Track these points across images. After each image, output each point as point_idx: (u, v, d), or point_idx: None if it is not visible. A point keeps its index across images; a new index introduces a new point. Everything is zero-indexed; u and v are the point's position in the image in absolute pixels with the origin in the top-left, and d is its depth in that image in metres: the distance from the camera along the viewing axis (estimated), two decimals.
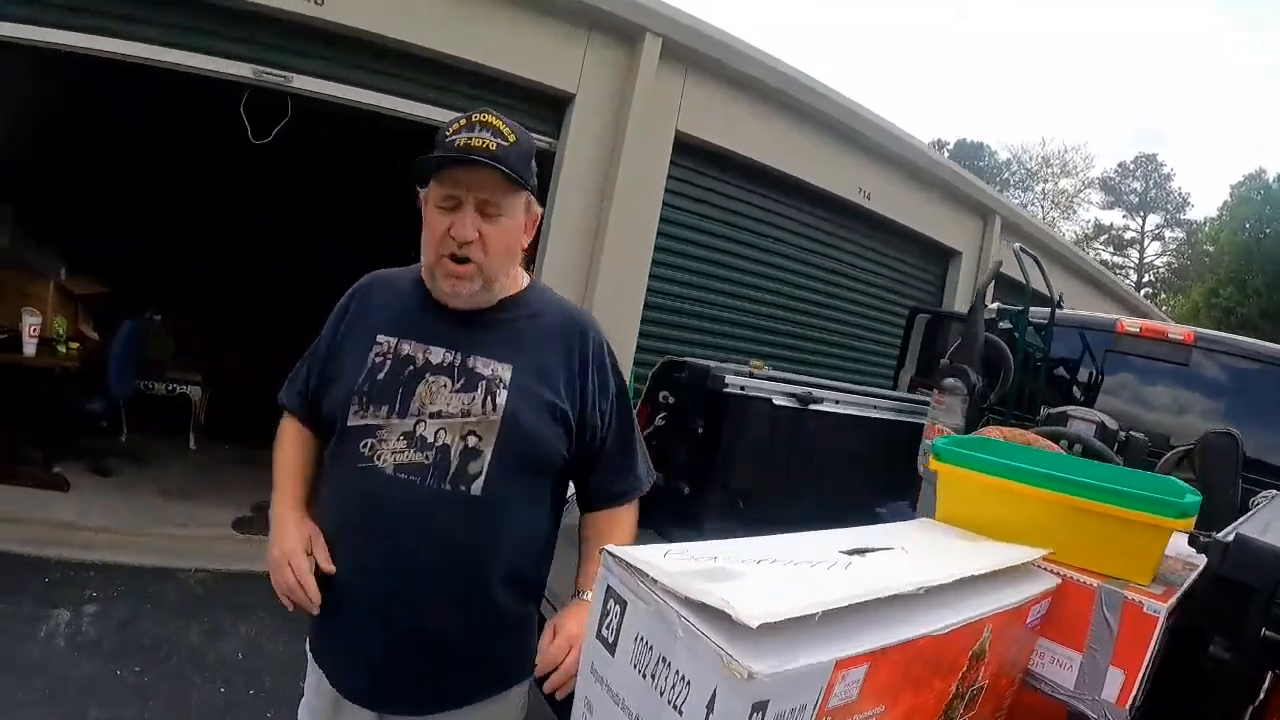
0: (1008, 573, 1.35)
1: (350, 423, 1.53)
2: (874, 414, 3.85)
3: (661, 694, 0.93)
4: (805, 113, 7.03)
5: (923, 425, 3.89)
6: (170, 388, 6.66)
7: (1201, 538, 1.57)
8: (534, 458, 1.55)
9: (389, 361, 1.56)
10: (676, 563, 1.00)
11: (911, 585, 1.07)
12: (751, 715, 0.83)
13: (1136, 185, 42.70)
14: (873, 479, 3.79)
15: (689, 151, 6.52)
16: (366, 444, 1.51)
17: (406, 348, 1.56)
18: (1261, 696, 1.31)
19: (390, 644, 1.51)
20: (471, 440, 1.50)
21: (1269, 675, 1.30)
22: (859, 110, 7.40)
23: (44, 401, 5.40)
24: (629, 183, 5.89)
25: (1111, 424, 3.61)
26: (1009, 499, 1.54)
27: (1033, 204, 43.01)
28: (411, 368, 1.54)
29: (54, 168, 7.16)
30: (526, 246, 1.64)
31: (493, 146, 1.45)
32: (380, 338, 1.58)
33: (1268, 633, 1.29)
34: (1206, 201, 64.28)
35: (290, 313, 9.36)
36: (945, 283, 9.35)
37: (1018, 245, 4.59)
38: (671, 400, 3.19)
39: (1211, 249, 34.23)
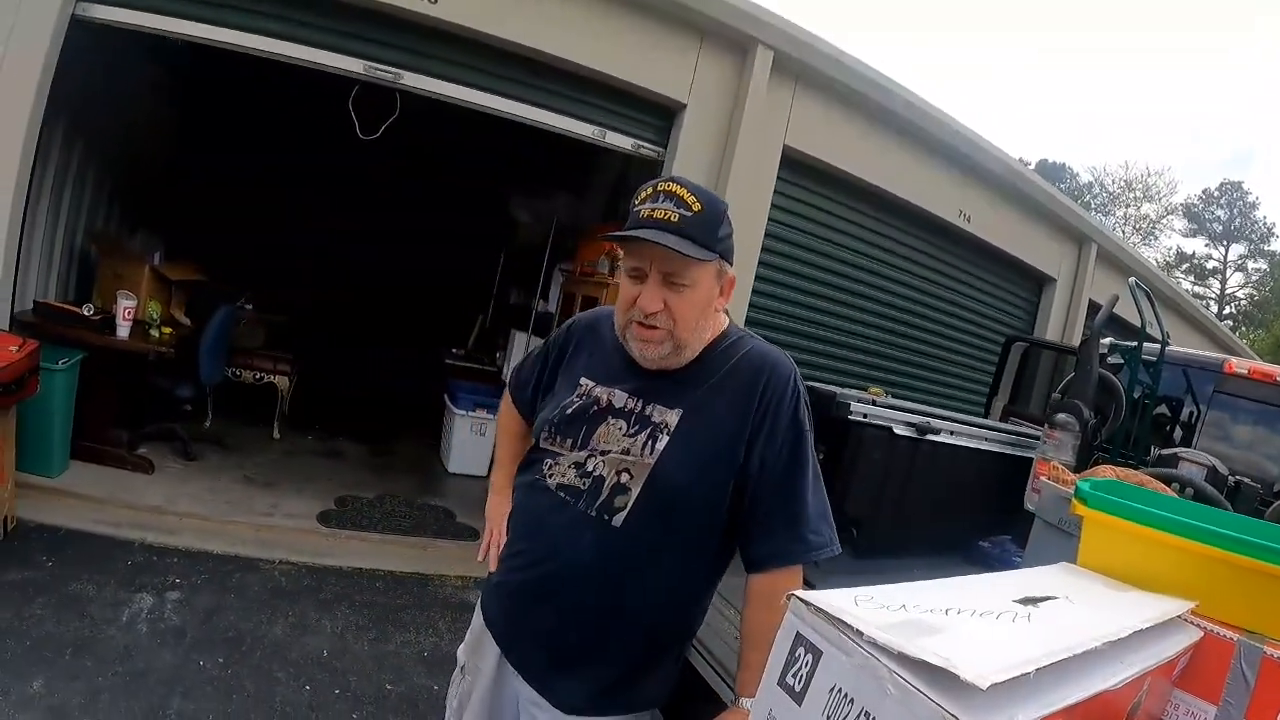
0: (1160, 625, 1.37)
1: (541, 444, 1.74)
2: (984, 446, 3.75)
3: None
4: (910, 131, 6.88)
5: (1028, 459, 3.79)
6: (258, 376, 6.76)
7: None
8: (680, 501, 1.60)
9: (580, 401, 1.71)
10: (872, 612, 0.99)
11: (1098, 640, 1.10)
12: None
13: (1220, 213, 41.56)
14: (975, 511, 3.72)
15: (796, 167, 6.41)
16: (546, 464, 1.71)
17: (599, 391, 1.70)
18: None
19: (522, 622, 1.72)
20: (624, 477, 1.60)
21: None
22: (962, 130, 7.23)
23: (133, 384, 5.48)
24: (736, 195, 5.78)
25: (1222, 468, 3.56)
26: (1156, 549, 1.55)
27: (1114, 229, 42.15)
28: (597, 408, 1.68)
29: (159, 155, 7.30)
30: (722, 305, 1.71)
31: (674, 218, 1.51)
32: (583, 380, 1.74)
33: None
34: None
35: (379, 312, 9.62)
36: (1038, 309, 9.11)
37: (1133, 280, 4.44)
38: None
39: None
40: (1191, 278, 41.58)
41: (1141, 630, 1.23)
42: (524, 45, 5.20)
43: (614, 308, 1.74)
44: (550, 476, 1.68)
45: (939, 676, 0.84)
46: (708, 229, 1.53)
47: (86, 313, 5.07)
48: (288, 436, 6.90)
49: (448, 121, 6.03)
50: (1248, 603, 1.41)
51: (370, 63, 4.94)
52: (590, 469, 1.63)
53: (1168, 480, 3.09)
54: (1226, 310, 40.73)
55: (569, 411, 1.69)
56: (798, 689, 1.00)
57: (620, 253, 1.64)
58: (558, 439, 1.69)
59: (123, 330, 5.09)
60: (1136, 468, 3.38)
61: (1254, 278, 41.06)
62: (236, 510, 5.07)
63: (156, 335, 5.37)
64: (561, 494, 1.65)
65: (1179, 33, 63.34)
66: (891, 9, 70.27)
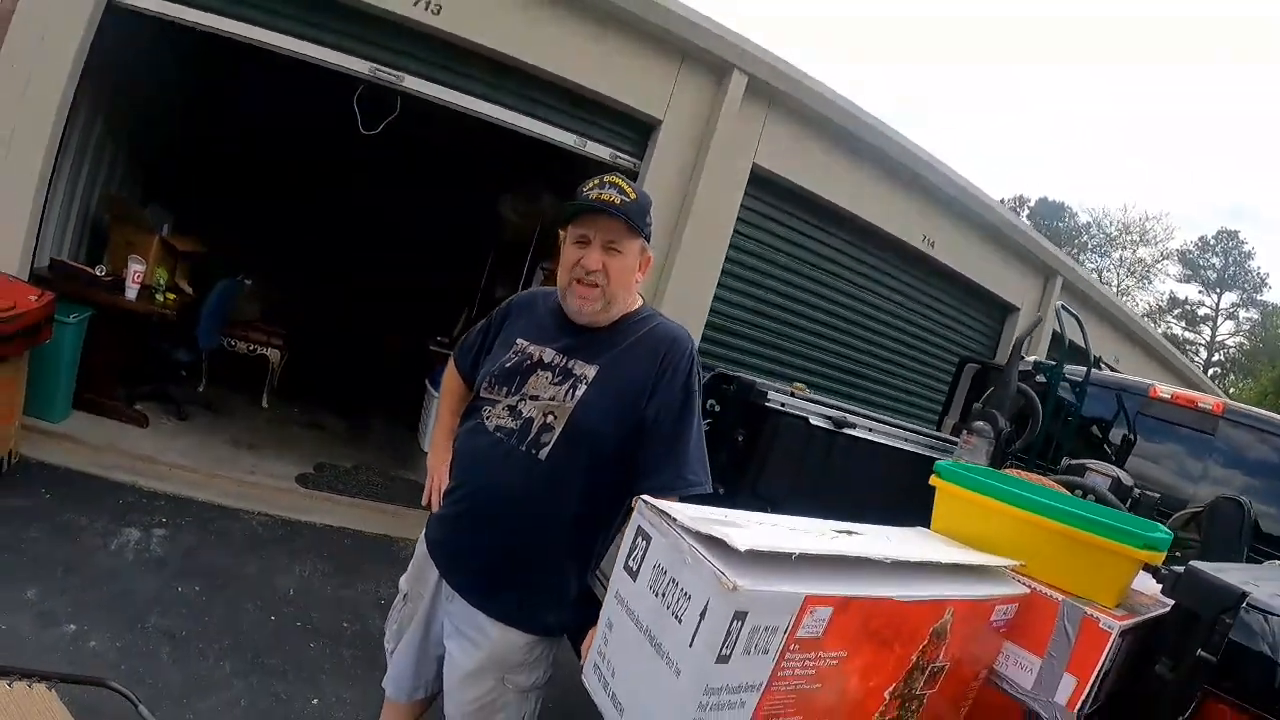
0: (979, 573, 1.61)
1: (481, 394, 2.09)
2: (902, 445, 3.98)
3: (668, 608, 1.22)
4: (877, 158, 7.23)
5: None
6: (251, 348, 7.08)
7: (1162, 570, 1.81)
8: (593, 439, 1.94)
9: (516, 357, 2.06)
10: (695, 511, 1.30)
11: (881, 555, 1.36)
12: (733, 622, 1.12)
13: (1215, 261, 41.59)
14: (891, 508, 3.89)
15: (763, 185, 6.77)
16: (485, 409, 2.05)
17: (532, 349, 2.06)
18: (1190, 711, 1.51)
19: (462, 544, 2.07)
20: (549, 419, 1.95)
21: (1200, 691, 1.51)
22: (929, 159, 7.58)
23: (136, 343, 5.80)
24: (704, 208, 6.18)
25: (1127, 480, 3.71)
26: (993, 515, 1.79)
27: (1109, 270, 42.19)
28: (529, 362, 2.03)
29: (175, 134, 7.63)
30: (640, 280, 2.10)
31: (617, 201, 1.93)
32: (518, 340, 2.09)
33: (1203, 654, 1.51)
34: None
35: (372, 297, 9.95)
36: (1001, 336, 9.44)
37: (1060, 303, 4.75)
38: (718, 409, 3.42)
39: None
40: (1183, 323, 41.57)
41: (944, 565, 1.50)
42: (517, 57, 5.57)
43: (550, 288, 2.15)
44: (489, 420, 2.00)
45: (722, 550, 1.15)
46: (640, 213, 1.96)
47: (99, 273, 5.39)
48: (275, 406, 7.21)
49: (444, 122, 6.35)
50: (1075, 569, 1.65)
51: (375, 65, 5.32)
52: (521, 411, 1.96)
53: (1070, 487, 3.36)
54: (1215, 357, 40.79)
55: (507, 365, 2.04)
56: (635, 569, 1.34)
57: (567, 228, 2.02)
58: (495, 388, 2.03)
59: (131, 292, 5.39)
60: (1046, 474, 3.67)
61: (1245, 327, 41.05)
62: (221, 466, 5.36)
63: (161, 300, 5.69)
64: (498, 434, 1.97)
65: (1188, 84, 63.62)
66: (908, 40, 70.49)
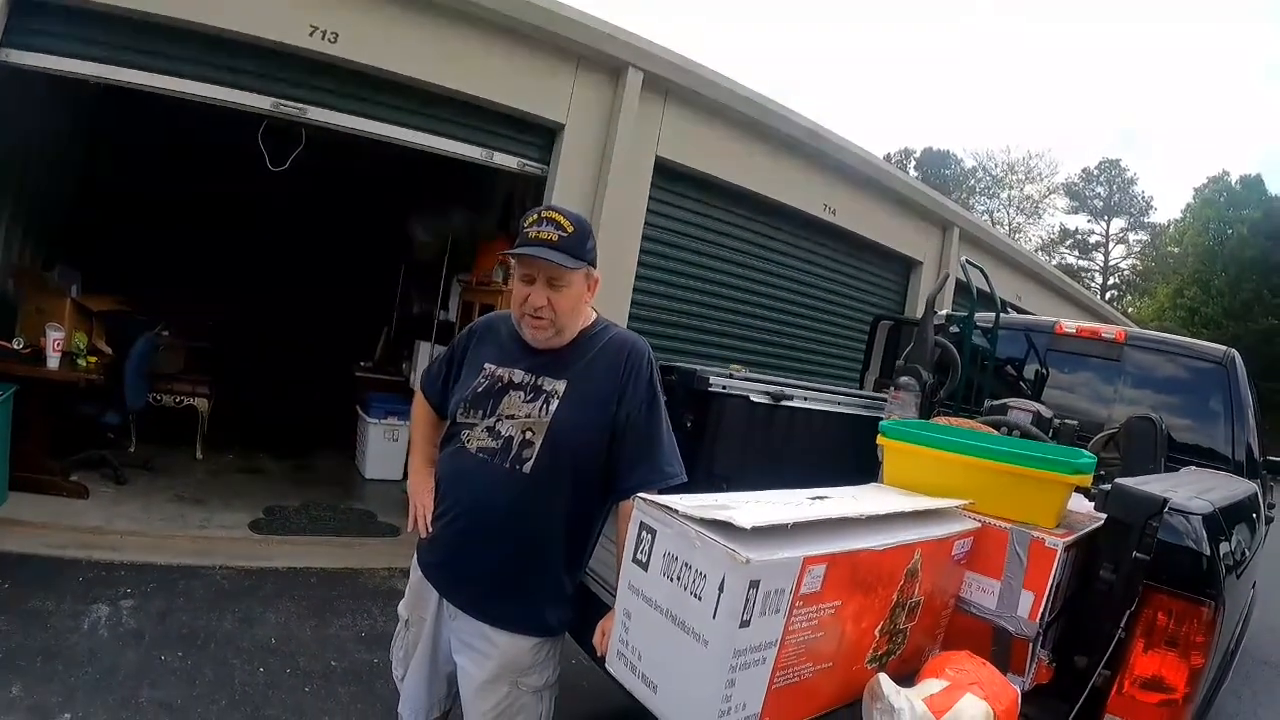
0: (936, 516, 1.81)
1: (457, 420, 2.19)
2: (839, 409, 4.23)
3: (685, 589, 1.38)
4: (773, 135, 7.51)
5: (880, 418, 4.30)
6: (179, 400, 6.96)
7: (1092, 489, 2.06)
8: (573, 449, 2.07)
9: (486, 381, 2.18)
10: (689, 501, 1.46)
11: (857, 513, 1.55)
12: (749, 590, 1.29)
13: (1100, 190, 43.52)
14: (839, 468, 4.05)
15: (668, 175, 6.98)
16: (464, 434, 2.15)
17: (500, 371, 2.18)
18: (1135, 605, 1.76)
19: (460, 562, 2.15)
20: (528, 434, 2.07)
21: (1141, 587, 1.75)
22: (823, 131, 7.88)
23: (63, 413, 5.65)
24: (614, 205, 6.30)
25: (1047, 413, 3.96)
26: (938, 464, 2.01)
27: (999, 210, 43.74)
28: (500, 384, 2.16)
29: (73, 190, 7.46)
30: (590, 300, 2.21)
31: (555, 238, 2.03)
32: (486, 365, 2.22)
33: (1138, 555, 1.76)
34: (1169, 204, 65.55)
35: (290, 330, 9.83)
36: (907, 291, 9.87)
37: (964, 259, 5.04)
38: (665, 400, 3.60)
39: (1175, 250, 35.01)
40: (1076, 252, 43.38)
41: (907, 514, 1.70)
42: (416, 77, 5.60)
43: (507, 311, 2.26)
44: (469, 443, 2.11)
45: (727, 530, 1.31)
46: (579, 244, 2.04)
47: (17, 346, 5.26)
48: (210, 456, 7.10)
49: (351, 148, 6.35)
50: (1016, 500, 1.88)
51: (277, 99, 5.27)
52: (501, 431, 2.07)
53: (996, 426, 3.58)
54: (1111, 281, 42.62)
55: (479, 390, 2.15)
56: (644, 560, 1.48)
57: (513, 263, 2.14)
58: (471, 412, 2.14)
59: (53, 361, 5.24)
60: (972, 417, 3.89)
61: (1135, 249, 43.02)
62: (172, 525, 5.30)
63: (84, 365, 5.55)
64: (481, 455, 2.08)
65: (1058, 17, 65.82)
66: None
